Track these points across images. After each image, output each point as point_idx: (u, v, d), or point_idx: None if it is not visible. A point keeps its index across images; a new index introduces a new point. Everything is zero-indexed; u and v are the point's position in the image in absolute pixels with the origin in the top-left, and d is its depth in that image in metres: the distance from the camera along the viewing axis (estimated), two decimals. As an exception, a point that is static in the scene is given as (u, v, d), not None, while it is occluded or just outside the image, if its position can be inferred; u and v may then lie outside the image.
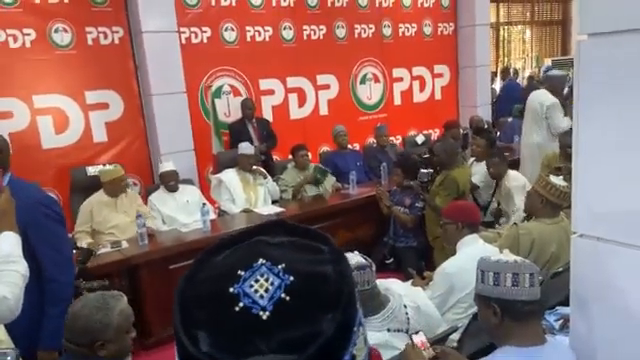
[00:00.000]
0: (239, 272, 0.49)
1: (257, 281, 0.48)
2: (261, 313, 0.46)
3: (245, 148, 4.52)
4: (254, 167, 4.55)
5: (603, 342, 1.41)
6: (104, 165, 4.44)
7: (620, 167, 1.29)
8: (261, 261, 0.49)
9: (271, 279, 0.48)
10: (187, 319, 0.48)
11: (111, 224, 3.79)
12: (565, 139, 4.51)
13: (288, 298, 0.47)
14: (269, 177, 4.65)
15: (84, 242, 3.63)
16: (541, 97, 5.01)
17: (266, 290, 0.47)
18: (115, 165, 4.03)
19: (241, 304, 0.47)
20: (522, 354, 1.38)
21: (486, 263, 1.48)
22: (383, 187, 4.58)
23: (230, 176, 4.47)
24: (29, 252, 1.92)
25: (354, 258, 2.02)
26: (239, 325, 0.46)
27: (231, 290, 0.47)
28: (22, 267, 1.51)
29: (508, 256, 1.48)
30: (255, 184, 4.54)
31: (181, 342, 0.47)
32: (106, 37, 4.69)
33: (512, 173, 4.14)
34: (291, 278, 0.48)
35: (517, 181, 4.01)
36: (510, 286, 1.40)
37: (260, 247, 0.52)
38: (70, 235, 3.60)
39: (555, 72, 5.37)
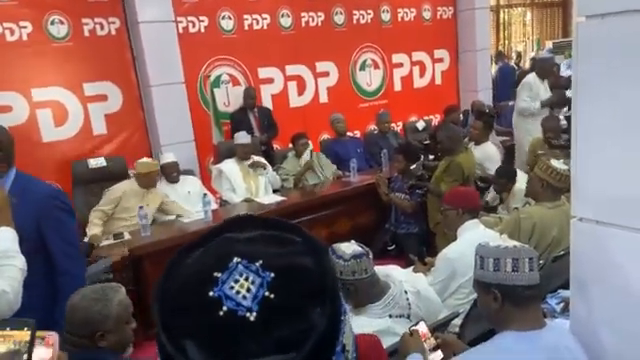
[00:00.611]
0: (215, 274, 0.47)
1: (237, 281, 0.46)
2: (247, 314, 0.45)
3: (241, 137, 4.49)
4: (254, 159, 4.53)
5: (603, 324, 1.41)
6: (105, 157, 4.48)
7: (619, 150, 1.28)
8: (236, 260, 0.47)
9: (251, 278, 0.46)
10: (171, 330, 0.46)
11: (133, 213, 3.80)
12: (547, 124, 4.50)
13: (273, 296, 0.46)
14: (269, 167, 4.64)
15: (92, 231, 3.65)
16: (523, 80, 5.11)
17: (248, 290, 0.46)
18: (152, 159, 4.11)
19: (225, 308, 0.45)
20: (522, 338, 1.38)
21: (485, 249, 1.47)
22: (384, 174, 4.57)
23: (230, 166, 4.47)
24: (41, 245, 1.99)
25: (351, 247, 2.02)
26: (227, 330, 0.45)
27: (211, 294, 0.46)
28: (20, 262, 1.52)
29: (507, 241, 1.48)
30: (255, 174, 4.53)
31: (168, 354, 0.45)
32: (103, 28, 4.66)
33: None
34: (272, 275, 0.47)
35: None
36: (510, 271, 1.40)
37: (231, 245, 0.50)
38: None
39: (543, 55, 5.38)
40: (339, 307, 0.49)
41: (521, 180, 3.66)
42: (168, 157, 4.27)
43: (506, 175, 3.77)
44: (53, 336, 1.10)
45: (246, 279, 0.46)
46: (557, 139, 4.39)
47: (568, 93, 5.11)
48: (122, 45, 4.76)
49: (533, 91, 5.14)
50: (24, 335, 1.03)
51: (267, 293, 0.46)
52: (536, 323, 1.41)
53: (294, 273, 0.48)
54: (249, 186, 4.45)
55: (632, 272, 1.31)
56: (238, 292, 0.45)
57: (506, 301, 1.41)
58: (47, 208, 1.96)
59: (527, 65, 9.59)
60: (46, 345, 1.09)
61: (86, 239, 3.56)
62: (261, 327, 0.45)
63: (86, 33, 4.60)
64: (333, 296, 0.48)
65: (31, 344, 1.02)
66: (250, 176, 4.50)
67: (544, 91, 5.17)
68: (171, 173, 4.23)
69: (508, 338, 1.39)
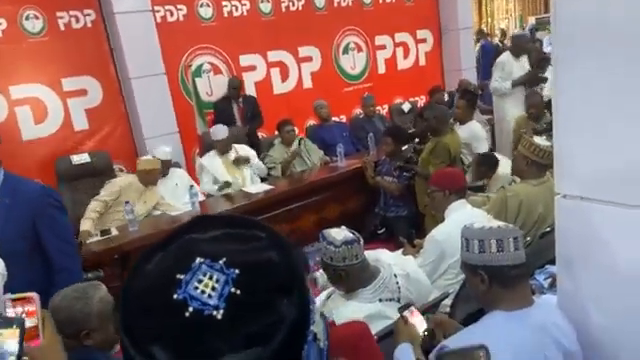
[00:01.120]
0: (178, 276, 0.46)
1: (201, 281, 0.45)
2: (214, 313, 0.44)
3: (217, 133, 4.38)
4: (237, 151, 4.45)
5: (589, 299, 1.43)
6: (89, 153, 4.42)
7: (601, 126, 1.28)
8: (199, 260, 0.46)
9: (215, 276, 0.45)
10: (137, 337, 0.45)
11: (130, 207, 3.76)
12: (529, 100, 4.52)
13: (239, 292, 0.45)
14: (253, 159, 4.56)
15: (84, 226, 3.62)
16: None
17: (213, 289, 0.45)
18: (154, 157, 4.07)
19: (190, 309, 0.44)
20: (510, 318, 1.39)
21: (469, 231, 1.47)
22: (371, 158, 4.56)
23: (211, 160, 4.41)
24: (38, 244, 2.01)
25: (341, 233, 2.02)
26: (194, 330, 0.44)
27: (175, 297, 0.45)
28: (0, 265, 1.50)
29: (491, 222, 1.48)
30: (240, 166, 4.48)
31: (132, 358, 0.44)
32: (78, 21, 4.56)
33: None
34: (236, 271, 0.46)
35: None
36: (495, 252, 1.40)
37: (193, 245, 0.49)
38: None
39: (517, 32, 5.38)
40: (307, 297, 0.49)
41: (503, 165, 3.66)
42: (165, 154, 4.22)
43: (486, 163, 3.71)
44: (33, 296, 1.09)
45: (210, 278, 0.45)
46: (540, 116, 4.41)
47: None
48: (99, 38, 4.66)
49: (505, 70, 5.13)
50: (13, 333, 1.01)
51: (233, 289, 0.45)
52: (524, 301, 1.42)
53: (259, 268, 0.47)
54: (234, 178, 4.41)
55: (617, 247, 1.32)
56: (203, 292, 0.45)
57: (493, 282, 1.42)
58: (41, 206, 1.99)
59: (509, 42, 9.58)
60: (28, 303, 1.09)
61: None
62: (229, 324, 0.44)
63: (62, 27, 4.50)
64: (300, 286, 0.48)
65: (21, 342, 1.00)
66: (234, 168, 4.45)
67: (519, 69, 5.10)
68: (164, 168, 4.21)
69: (497, 318, 1.40)
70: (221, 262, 0.46)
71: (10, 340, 1.00)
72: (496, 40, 9.87)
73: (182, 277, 0.45)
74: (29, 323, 1.08)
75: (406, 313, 1.65)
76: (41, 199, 2.00)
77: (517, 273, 1.42)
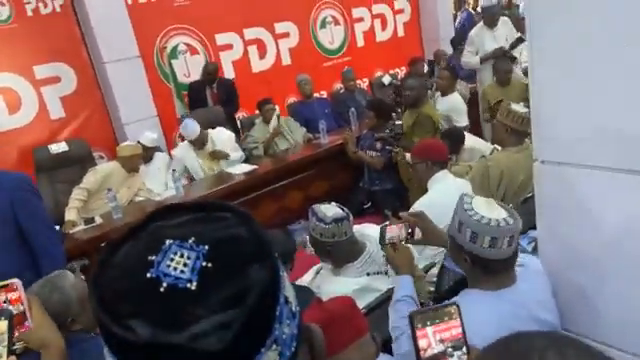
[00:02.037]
0: (150, 258, 0.47)
1: (172, 260, 0.47)
2: (189, 285, 0.46)
3: (189, 134, 4.17)
4: (213, 149, 4.32)
5: (570, 261, 1.45)
6: (67, 141, 4.33)
7: (576, 90, 1.28)
8: (168, 242, 0.48)
9: (186, 254, 0.47)
10: (114, 316, 0.46)
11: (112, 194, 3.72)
12: (497, 65, 4.51)
13: (210, 265, 0.47)
14: (231, 154, 4.41)
15: (69, 215, 3.60)
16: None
17: (184, 265, 0.47)
18: (136, 143, 4.01)
19: (165, 284, 0.46)
20: (487, 296, 1.37)
21: (465, 216, 1.36)
22: (353, 132, 4.55)
23: (185, 152, 4.27)
24: (18, 231, 2.04)
25: (331, 209, 2.02)
26: (171, 302, 0.46)
27: (148, 276, 0.46)
28: None
29: (491, 212, 1.35)
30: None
31: (116, 336, 0.45)
32: (46, 6, 4.41)
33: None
34: (206, 247, 0.48)
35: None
36: (487, 247, 1.33)
37: (161, 231, 0.50)
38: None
39: (488, 2, 5.32)
40: (275, 262, 0.51)
41: (469, 139, 3.67)
42: (151, 140, 4.16)
43: (450, 137, 3.64)
44: (15, 282, 1.10)
45: (181, 256, 0.47)
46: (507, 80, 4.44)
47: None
48: (69, 22, 4.53)
49: (475, 44, 5.10)
50: (0, 325, 1.02)
51: (204, 263, 0.47)
52: (506, 283, 1.40)
53: (227, 242, 0.50)
54: (210, 168, 4.31)
55: (596, 210, 1.34)
56: (175, 268, 0.47)
57: (477, 266, 1.38)
58: (19, 192, 2.03)
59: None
60: (11, 291, 1.10)
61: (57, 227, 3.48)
62: (203, 293, 0.46)
63: (29, 13, 4.35)
64: (268, 254, 0.50)
65: (10, 333, 1.01)
66: (210, 161, 4.32)
67: (491, 41, 5.04)
68: (149, 154, 4.17)
69: (474, 295, 1.39)
70: (190, 241, 0.48)
71: None
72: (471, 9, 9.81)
73: (153, 258, 0.47)
74: (15, 310, 1.09)
75: (388, 236, 1.64)
76: (18, 185, 2.04)
77: (503, 266, 1.38)
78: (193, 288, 0.46)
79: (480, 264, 1.37)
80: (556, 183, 1.41)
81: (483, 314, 1.31)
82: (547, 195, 1.46)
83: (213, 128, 4.48)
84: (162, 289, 0.46)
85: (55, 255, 2.11)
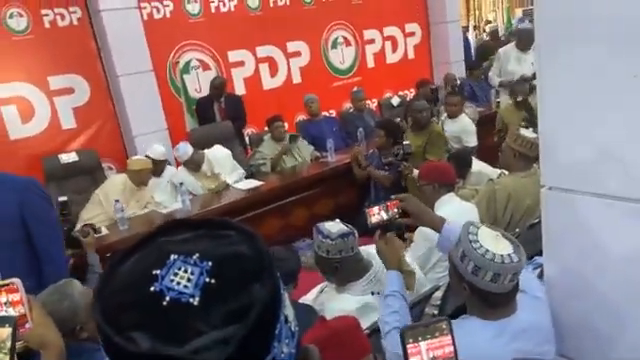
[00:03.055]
0: (154, 272, 0.48)
1: (176, 274, 0.48)
2: (191, 300, 0.47)
3: (181, 156, 4.16)
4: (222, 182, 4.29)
5: (575, 288, 1.45)
6: (77, 151, 4.38)
7: (585, 118, 1.30)
8: (173, 257, 0.49)
9: (190, 269, 0.48)
10: (117, 327, 0.47)
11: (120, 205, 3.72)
12: (515, 87, 4.54)
13: (213, 281, 0.48)
14: (230, 180, 4.37)
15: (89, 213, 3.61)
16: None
17: (188, 280, 0.48)
18: (145, 157, 4.02)
19: (167, 298, 0.47)
20: (488, 327, 1.36)
21: (470, 248, 1.32)
22: (360, 149, 4.56)
23: (183, 176, 4.20)
24: (24, 234, 2.02)
25: (336, 226, 2.03)
26: (173, 317, 0.46)
27: (152, 289, 0.47)
28: None
29: (497, 246, 1.32)
30: (213, 175, 4.31)
31: (117, 347, 0.46)
32: (63, 18, 4.51)
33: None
34: (209, 263, 0.49)
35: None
36: (488, 281, 1.30)
37: (166, 246, 0.52)
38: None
39: (526, 25, 5.37)
40: (277, 281, 0.52)
41: (476, 164, 3.68)
42: (160, 154, 4.18)
43: (458, 160, 3.58)
44: (16, 283, 1.11)
45: (185, 271, 0.48)
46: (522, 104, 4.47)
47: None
48: (85, 35, 4.61)
49: (499, 61, 5.17)
50: (3, 332, 1.03)
51: (207, 279, 0.48)
52: (505, 313, 1.38)
53: (230, 259, 0.51)
54: (210, 190, 4.27)
55: (602, 237, 1.34)
56: (179, 283, 0.48)
57: (476, 297, 1.37)
58: (28, 194, 2.01)
59: (487, 38, 9.59)
60: (12, 292, 1.11)
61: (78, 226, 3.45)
62: (205, 308, 0.47)
63: (47, 25, 4.44)
64: (270, 272, 0.51)
65: (13, 340, 1.03)
66: (209, 179, 4.29)
67: (515, 63, 5.08)
68: (158, 168, 4.18)
69: (474, 322, 1.38)
70: (194, 257, 0.49)
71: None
72: (484, 34, 9.91)
73: (158, 272, 0.48)
74: (17, 312, 1.10)
75: (373, 220, 1.65)
76: (27, 187, 2.02)
77: (504, 299, 1.36)
78: (195, 303, 0.47)
79: (480, 295, 1.35)
80: (563, 210, 1.41)
81: (482, 345, 1.30)
82: (554, 221, 1.46)
83: (221, 144, 4.50)
84: (165, 303, 0.47)
85: (58, 262, 2.10)
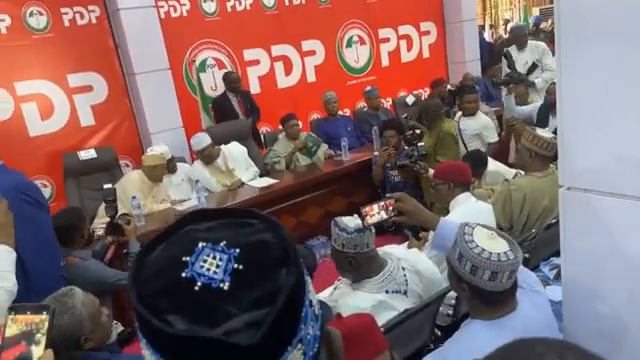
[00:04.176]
0: (184, 259, 0.51)
1: (205, 261, 0.50)
2: (221, 285, 0.49)
3: (198, 144, 4.22)
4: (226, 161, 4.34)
5: (594, 290, 1.44)
6: (95, 148, 4.43)
7: (605, 117, 1.28)
8: (201, 244, 0.52)
9: (218, 256, 0.51)
10: (154, 310, 0.49)
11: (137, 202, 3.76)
12: (515, 90, 4.48)
13: (241, 267, 0.50)
14: (243, 171, 4.41)
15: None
16: None
17: (217, 266, 0.50)
18: (160, 152, 4.05)
19: (199, 283, 0.49)
20: (490, 325, 1.37)
21: (466, 248, 1.35)
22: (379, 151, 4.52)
23: (197, 171, 4.27)
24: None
25: (354, 221, 2.04)
26: (205, 300, 0.49)
27: (183, 275, 0.50)
28: (9, 282, 1.48)
29: (492, 245, 1.35)
30: (228, 171, 4.36)
31: (155, 329, 0.48)
32: (82, 17, 4.57)
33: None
34: (237, 250, 0.51)
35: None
36: (487, 280, 1.33)
37: (194, 234, 0.54)
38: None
39: (515, 23, 5.37)
40: (301, 268, 0.55)
41: (492, 163, 3.65)
42: (163, 153, 4.16)
43: (473, 160, 3.51)
44: None
45: (214, 258, 0.51)
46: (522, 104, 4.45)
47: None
48: (104, 34, 4.68)
49: (504, 63, 5.16)
50: (41, 318, 1.12)
51: (236, 265, 0.50)
52: (506, 310, 1.39)
53: (257, 246, 0.53)
54: (225, 186, 4.31)
55: (622, 239, 1.33)
56: (208, 269, 0.50)
57: (475, 297, 1.38)
58: (11, 203, 1.85)
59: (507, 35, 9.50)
60: None
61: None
62: (235, 293, 0.49)
63: (66, 23, 4.51)
64: (295, 259, 0.54)
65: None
66: (224, 174, 4.33)
67: (519, 62, 5.04)
68: (169, 166, 4.22)
69: (477, 326, 1.39)
70: (222, 244, 0.52)
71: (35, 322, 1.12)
72: (500, 31, 9.82)
73: (187, 259, 0.51)
74: None
75: (371, 220, 1.65)
76: (12, 195, 1.88)
77: (503, 297, 1.38)
78: (225, 288, 0.49)
79: (479, 294, 1.37)
80: (581, 210, 1.40)
81: (484, 345, 1.30)
82: (572, 222, 1.45)
83: (238, 141, 4.54)
84: (197, 288, 0.49)
85: (43, 269, 1.95)
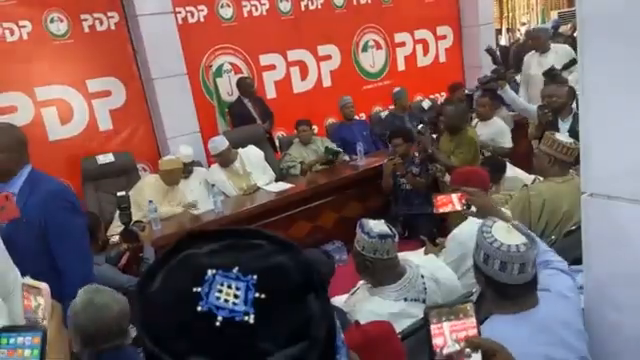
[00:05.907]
0: (195, 290, 0.45)
1: (220, 291, 0.45)
2: (246, 318, 0.44)
3: (216, 147, 4.26)
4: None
5: (616, 297, 1.41)
6: (113, 153, 4.48)
7: (628, 124, 1.26)
8: (210, 272, 0.46)
9: (234, 284, 0.45)
10: (174, 355, 0.43)
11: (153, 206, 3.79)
12: (543, 91, 4.36)
13: (264, 296, 0.45)
14: (261, 182, 4.40)
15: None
16: None
17: (235, 296, 0.44)
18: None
19: (220, 317, 0.44)
20: (507, 321, 1.37)
21: (481, 238, 1.42)
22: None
23: (217, 175, 4.30)
24: (47, 248, 2.01)
25: (380, 225, 2.03)
26: (230, 338, 0.43)
27: (200, 309, 0.44)
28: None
29: (507, 237, 1.39)
30: (245, 174, 4.37)
31: None
32: (102, 23, 4.64)
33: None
34: (254, 276, 0.45)
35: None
36: (497, 270, 1.37)
37: (197, 259, 0.48)
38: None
39: (534, 26, 5.29)
40: (326, 291, 0.50)
41: (510, 170, 3.61)
42: (186, 156, 4.22)
43: (491, 166, 3.50)
44: (45, 288, 1.17)
45: (229, 287, 0.45)
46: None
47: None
48: (122, 39, 4.74)
49: (524, 70, 5.10)
50: (36, 340, 1.07)
51: (257, 294, 0.45)
52: (524, 306, 1.40)
53: (275, 271, 0.47)
54: (241, 189, 4.32)
55: (645, 246, 1.30)
56: (226, 300, 0.44)
57: (491, 288, 1.42)
58: (51, 210, 1.98)
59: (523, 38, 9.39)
60: (41, 295, 1.17)
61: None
62: (264, 326, 0.44)
63: (86, 29, 4.58)
64: (319, 282, 0.49)
65: (42, 349, 1.05)
66: (241, 178, 4.34)
67: (537, 67, 4.93)
68: (186, 169, 4.25)
69: (495, 322, 1.39)
70: (235, 270, 0.46)
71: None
72: (518, 35, 9.73)
73: (199, 290, 0.45)
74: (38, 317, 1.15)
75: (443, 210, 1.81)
76: (52, 202, 2.00)
77: (516, 292, 1.39)
78: (251, 321, 0.44)
79: (494, 286, 1.41)
80: (604, 217, 1.38)
81: (500, 337, 1.29)
82: (594, 229, 1.43)
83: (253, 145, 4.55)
84: (218, 323, 0.44)
85: (79, 271, 2.05)
